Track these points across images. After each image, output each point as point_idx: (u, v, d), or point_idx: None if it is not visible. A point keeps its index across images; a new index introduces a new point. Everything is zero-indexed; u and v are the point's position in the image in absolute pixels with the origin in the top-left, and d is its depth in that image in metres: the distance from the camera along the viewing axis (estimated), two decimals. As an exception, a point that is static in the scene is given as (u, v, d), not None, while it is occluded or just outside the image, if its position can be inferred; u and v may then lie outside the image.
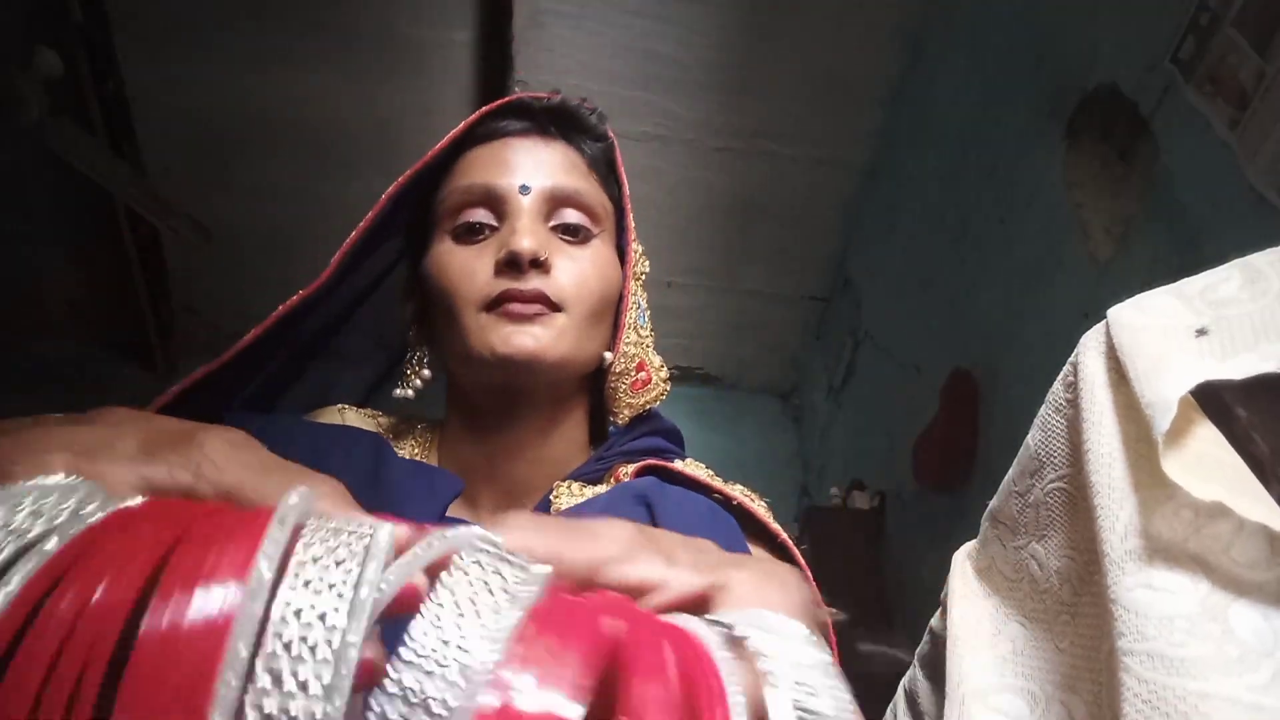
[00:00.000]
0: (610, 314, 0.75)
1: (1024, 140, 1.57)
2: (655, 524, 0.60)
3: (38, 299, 2.25)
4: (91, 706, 0.23)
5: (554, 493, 0.72)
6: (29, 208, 2.03)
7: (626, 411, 0.80)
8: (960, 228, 1.79)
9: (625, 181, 0.78)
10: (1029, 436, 0.66)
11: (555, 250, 0.70)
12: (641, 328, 0.80)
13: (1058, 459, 0.63)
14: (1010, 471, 0.69)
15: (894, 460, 1.88)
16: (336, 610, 0.25)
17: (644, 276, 0.83)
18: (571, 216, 0.72)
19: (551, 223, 0.72)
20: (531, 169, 0.72)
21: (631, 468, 0.77)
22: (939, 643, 0.73)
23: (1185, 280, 0.58)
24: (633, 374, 0.79)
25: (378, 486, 0.55)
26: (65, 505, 0.28)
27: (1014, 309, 1.57)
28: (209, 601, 0.25)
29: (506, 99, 0.76)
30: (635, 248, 0.79)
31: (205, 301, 2.35)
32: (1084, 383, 0.59)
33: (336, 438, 0.58)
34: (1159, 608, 0.48)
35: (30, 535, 0.26)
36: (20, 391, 2.04)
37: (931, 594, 0.78)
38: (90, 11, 1.82)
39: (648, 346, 0.81)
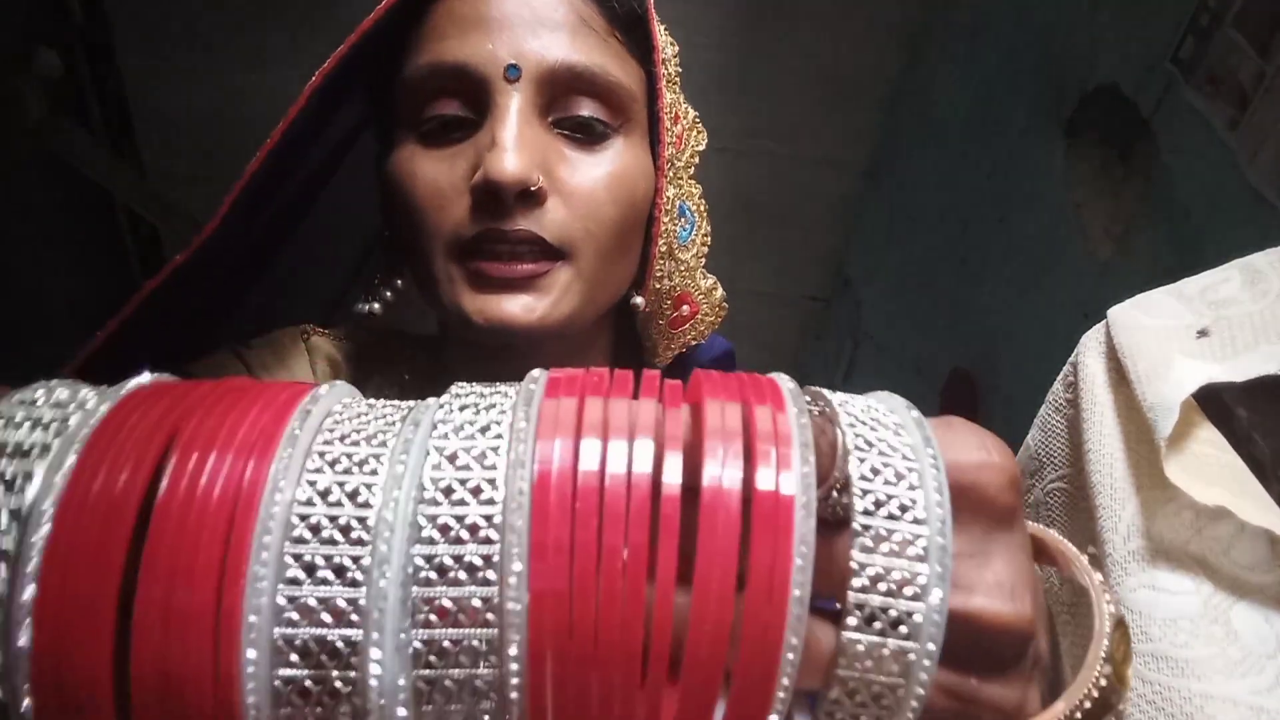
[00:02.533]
0: (641, 231, 0.54)
1: (1024, 140, 1.57)
2: None
3: (38, 299, 2.25)
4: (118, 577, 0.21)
5: None
6: (29, 208, 2.03)
7: (668, 353, 0.63)
8: (960, 228, 1.79)
9: (659, 39, 0.56)
10: (1029, 436, 0.66)
11: (556, 162, 0.50)
12: (683, 247, 0.58)
13: (1058, 459, 0.63)
14: (1011, 472, 0.69)
15: (894, 460, 1.87)
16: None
17: (694, 165, 0.59)
18: (584, 108, 0.50)
19: (553, 116, 0.50)
20: (523, 34, 0.49)
21: None
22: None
23: (1185, 280, 0.58)
24: (669, 313, 0.60)
25: None
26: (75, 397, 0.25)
27: (1014, 309, 1.57)
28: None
29: None
30: (674, 131, 0.55)
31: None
32: (1084, 383, 0.59)
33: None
34: (1162, 609, 0.48)
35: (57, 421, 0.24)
36: (20, 392, 2.04)
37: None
38: (90, 11, 1.82)
39: (692, 272, 0.60)
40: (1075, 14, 1.44)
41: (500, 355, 0.55)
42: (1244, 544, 0.48)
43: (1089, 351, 0.60)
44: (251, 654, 0.21)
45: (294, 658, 0.21)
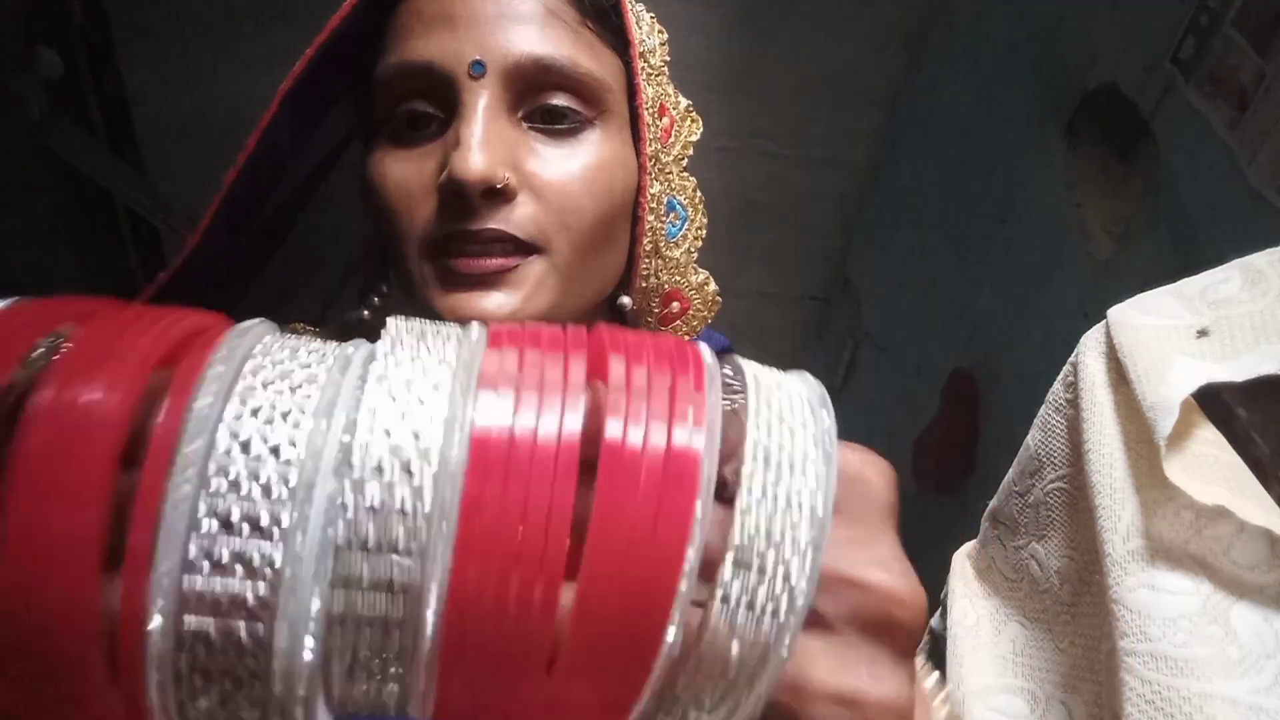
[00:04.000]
0: (625, 227, 0.53)
1: (1024, 140, 1.57)
2: None
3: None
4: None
5: None
6: (29, 208, 2.03)
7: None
8: (960, 227, 1.79)
9: (633, 31, 0.53)
10: (1029, 436, 0.66)
11: (525, 156, 0.48)
12: (672, 244, 0.56)
13: (1058, 459, 0.63)
14: (1010, 472, 0.69)
15: (894, 460, 1.87)
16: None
17: (687, 156, 0.57)
18: (556, 99, 0.49)
19: (523, 110, 0.49)
20: (489, 29, 0.47)
21: None
22: (939, 643, 0.73)
23: (1185, 280, 0.58)
24: (658, 310, 0.59)
25: None
26: None
27: (1014, 309, 1.57)
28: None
29: None
30: (659, 125, 0.54)
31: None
32: (1084, 383, 0.59)
33: None
34: (1162, 608, 0.48)
35: None
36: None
37: (932, 594, 0.78)
38: (90, 11, 1.82)
39: (683, 268, 0.58)
40: (1075, 14, 1.44)
41: None
42: (1243, 544, 0.48)
43: (1089, 351, 0.60)
44: (160, 601, 0.20)
45: (202, 609, 0.20)
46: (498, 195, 0.47)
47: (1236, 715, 0.44)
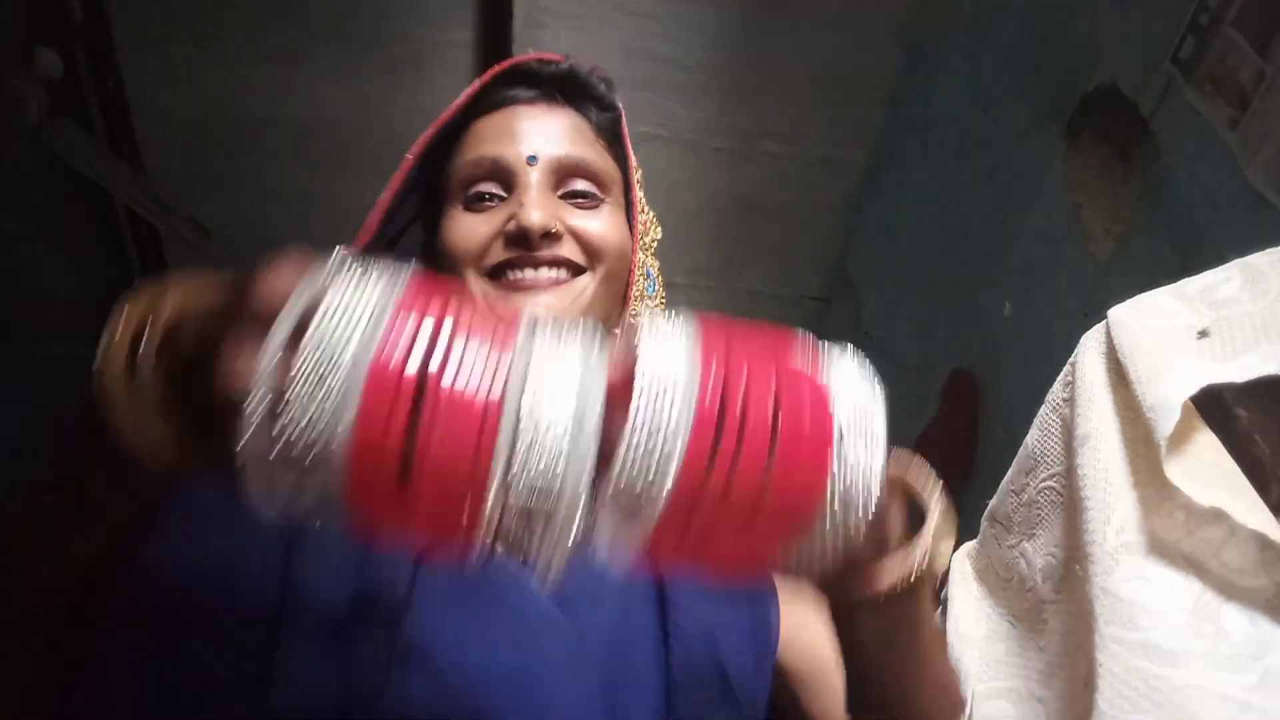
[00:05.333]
0: (624, 279, 0.75)
1: (1024, 140, 1.57)
2: None
3: (38, 299, 2.25)
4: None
5: None
6: (29, 208, 2.03)
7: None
8: (960, 228, 1.79)
9: (631, 151, 0.78)
10: (1028, 436, 0.66)
11: (567, 215, 0.71)
12: (650, 296, 0.81)
13: (1051, 457, 0.63)
14: (1009, 471, 0.69)
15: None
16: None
17: (654, 245, 0.82)
18: (580, 184, 0.72)
19: (560, 191, 0.72)
20: (539, 138, 0.71)
21: None
22: (939, 643, 0.73)
23: (1185, 280, 0.58)
24: (641, 303, 0.79)
25: None
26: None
27: (1014, 309, 1.57)
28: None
29: (513, 61, 0.76)
30: (644, 216, 0.79)
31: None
32: (1083, 383, 0.59)
33: None
34: (1154, 600, 0.48)
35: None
36: (20, 391, 2.04)
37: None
38: (90, 11, 1.82)
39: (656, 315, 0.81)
40: (1075, 14, 1.44)
41: None
42: (1234, 548, 0.48)
43: (1089, 351, 0.60)
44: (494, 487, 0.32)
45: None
46: (551, 236, 0.68)
47: (1225, 710, 0.44)
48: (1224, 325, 0.53)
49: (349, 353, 0.30)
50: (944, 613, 0.76)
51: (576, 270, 0.70)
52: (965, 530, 0.76)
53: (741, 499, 0.33)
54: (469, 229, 0.69)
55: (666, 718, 0.54)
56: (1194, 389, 0.49)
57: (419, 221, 0.79)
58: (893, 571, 0.43)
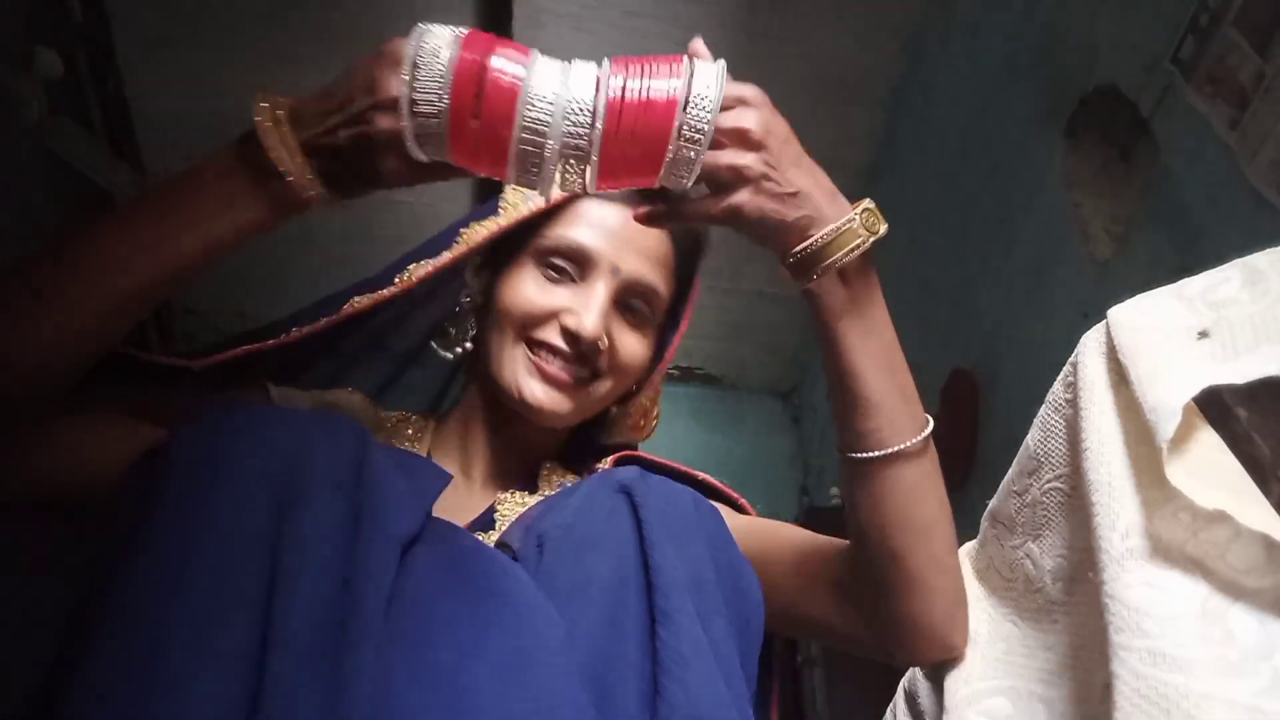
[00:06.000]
0: (629, 387, 0.84)
1: (1024, 140, 1.57)
2: (637, 514, 0.61)
3: (38, 299, 2.24)
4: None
5: (542, 472, 0.83)
6: (29, 208, 2.03)
7: (617, 438, 0.90)
8: (960, 228, 1.79)
9: (699, 286, 0.87)
10: (1028, 436, 0.66)
11: (615, 327, 0.78)
12: (655, 402, 0.90)
13: (1056, 459, 0.63)
14: (1010, 471, 0.69)
15: (894, 460, 1.87)
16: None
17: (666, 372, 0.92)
18: (640, 305, 0.79)
19: (621, 300, 0.78)
20: (630, 253, 0.78)
21: (609, 458, 0.86)
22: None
23: (1185, 280, 0.58)
24: (634, 419, 0.89)
25: (359, 479, 0.55)
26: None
27: (1014, 309, 1.57)
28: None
29: None
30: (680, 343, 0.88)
31: (205, 302, 2.35)
32: (1084, 383, 0.59)
33: (322, 423, 0.59)
34: (1161, 607, 0.48)
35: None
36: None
37: (931, 594, 0.78)
38: (90, 11, 1.82)
39: (656, 401, 0.90)
40: (1075, 14, 1.44)
41: (494, 420, 0.82)
42: (1240, 548, 0.48)
43: (1089, 351, 0.60)
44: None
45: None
46: (594, 346, 0.76)
47: (1234, 715, 0.44)
48: (1224, 325, 0.53)
49: (444, 59, 0.57)
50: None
51: (596, 374, 0.78)
52: (965, 530, 0.76)
53: (635, 130, 0.59)
54: (532, 297, 0.76)
55: (655, 698, 0.54)
56: (1195, 390, 0.49)
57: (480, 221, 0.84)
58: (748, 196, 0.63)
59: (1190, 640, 0.47)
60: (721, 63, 0.64)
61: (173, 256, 0.60)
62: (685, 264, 0.84)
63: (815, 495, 2.54)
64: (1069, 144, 1.42)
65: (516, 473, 0.83)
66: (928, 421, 0.71)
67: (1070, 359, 0.62)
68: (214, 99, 2.05)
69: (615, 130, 0.58)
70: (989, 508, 0.72)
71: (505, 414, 0.80)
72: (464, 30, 0.59)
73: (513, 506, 0.78)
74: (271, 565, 0.49)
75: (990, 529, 0.71)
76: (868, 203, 0.70)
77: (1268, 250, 0.56)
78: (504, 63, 0.57)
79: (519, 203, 0.80)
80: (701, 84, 0.60)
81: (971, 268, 1.73)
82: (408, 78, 0.57)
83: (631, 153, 0.59)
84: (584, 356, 0.76)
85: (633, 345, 0.80)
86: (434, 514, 0.63)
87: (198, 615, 0.47)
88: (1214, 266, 0.58)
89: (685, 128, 0.59)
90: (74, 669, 0.47)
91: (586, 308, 0.75)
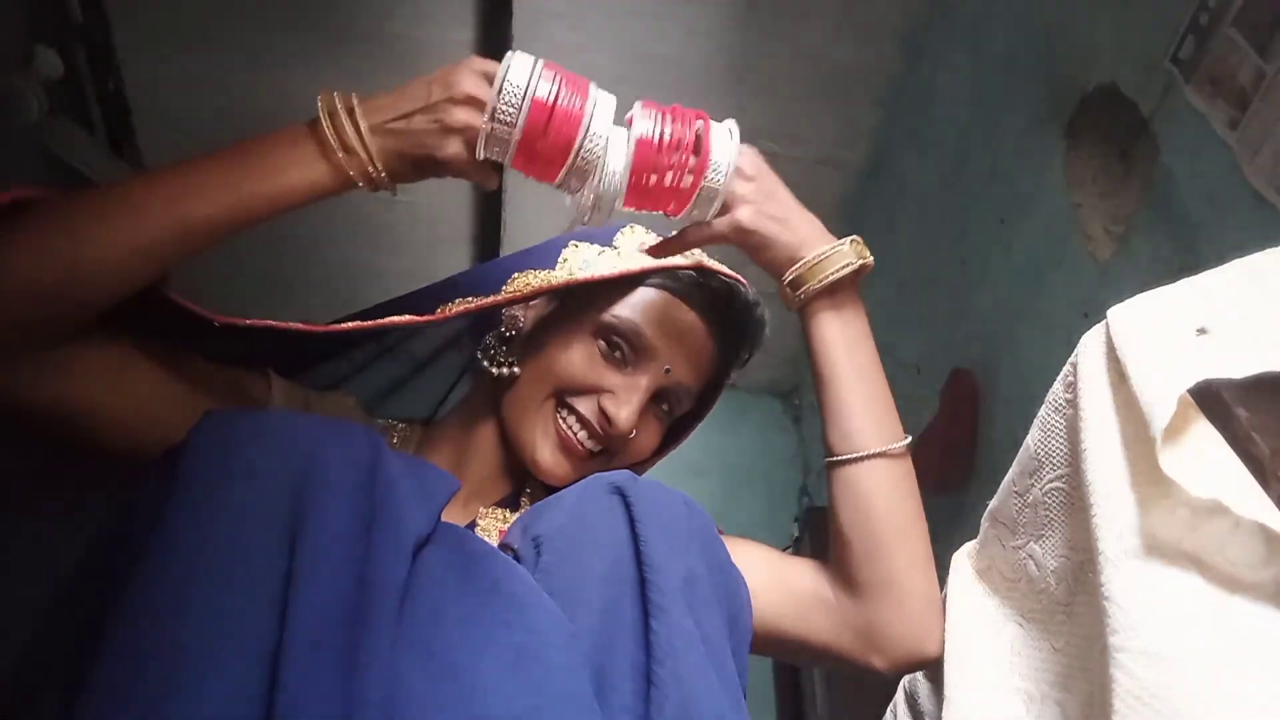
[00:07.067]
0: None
1: (1024, 140, 1.57)
2: (630, 512, 0.64)
3: (38, 299, 2.24)
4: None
5: (526, 488, 0.84)
6: (29, 208, 2.03)
7: None
8: (960, 228, 1.79)
9: (723, 388, 0.91)
10: (1029, 436, 0.66)
11: (641, 418, 0.81)
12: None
13: (1056, 459, 0.63)
14: (1010, 472, 0.69)
15: (894, 460, 1.87)
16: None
17: None
18: (671, 405, 0.84)
19: (657, 396, 0.82)
20: (684, 361, 0.82)
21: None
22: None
23: (1185, 280, 0.58)
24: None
25: (374, 482, 0.57)
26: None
27: (1014, 309, 1.57)
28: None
29: (730, 276, 0.87)
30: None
31: (205, 302, 2.36)
32: (1084, 383, 0.59)
33: (337, 429, 0.60)
34: (1155, 606, 0.48)
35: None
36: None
37: (931, 594, 0.78)
38: (90, 11, 1.82)
39: None
40: (1075, 14, 1.44)
41: (486, 440, 0.84)
42: (1238, 541, 0.48)
43: (1089, 351, 0.60)
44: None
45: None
46: (624, 437, 0.80)
47: (1233, 713, 0.44)
48: (1223, 324, 0.53)
49: (528, 95, 0.68)
50: (943, 612, 0.75)
51: (609, 454, 0.82)
52: (965, 530, 0.76)
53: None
54: (583, 368, 0.79)
55: (649, 687, 0.56)
56: (1190, 382, 0.49)
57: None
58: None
59: (1183, 638, 0.47)
60: (732, 123, 0.78)
61: (243, 196, 0.67)
62: (721, 373, 0.88)
63: (815, 495, 2.54)
64: (1069, 144, 1.42)
65: (501, 490, 0.85)
66: (906, 435, 0.79)
67: (1070, 359, 0.62)
68: (214, 99, 2.05)
69: (640, 180, 0.72)
70: (989, 508, 0.72)
71: (506, 439, 0.83)
72: (544, 62, 0.70)
73: (493, 522, 0.80)
74: (287, 564, 0.50)
75: (991, 529, 0.71)
76: (854, 237, 0.81)
77: (1268, 250, 0.56)
78: (572, 98, 0.69)
79: (582, 263, 0.83)
80: (721, 147, 0.75)
81: (971, 268, 1.73)
82: (496, 89, 0.67)
83: (656, 189, 0.73)
84: (609, 439, 0.80)
85: (650, 438, 0.84)
86: None
87: (214, 612, 0.48)
88: (1214, 266, 0.58)
89: (708, 180, 0.74)
90: (91, 666, 0.47)
91: (629, 400, 0.79)
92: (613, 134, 0.71)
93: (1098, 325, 0.60)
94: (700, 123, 0.75)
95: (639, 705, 0.56)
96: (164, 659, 0.47)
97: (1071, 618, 0.62)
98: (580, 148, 0.69)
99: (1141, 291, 0.59)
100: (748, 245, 0.78)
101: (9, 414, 0.64)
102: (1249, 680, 0.45)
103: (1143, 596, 0.49)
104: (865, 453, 0.76)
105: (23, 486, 0.72)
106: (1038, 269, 1.50)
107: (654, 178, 0.72)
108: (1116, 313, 0.59)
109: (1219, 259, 0.58)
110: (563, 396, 0.80)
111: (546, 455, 0.79)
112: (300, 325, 0.79)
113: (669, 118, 0.74)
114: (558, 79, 0.70)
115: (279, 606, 0.49)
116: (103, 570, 0.54)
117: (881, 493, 0.76)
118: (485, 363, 0.84)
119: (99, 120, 1.94)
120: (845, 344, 0.79)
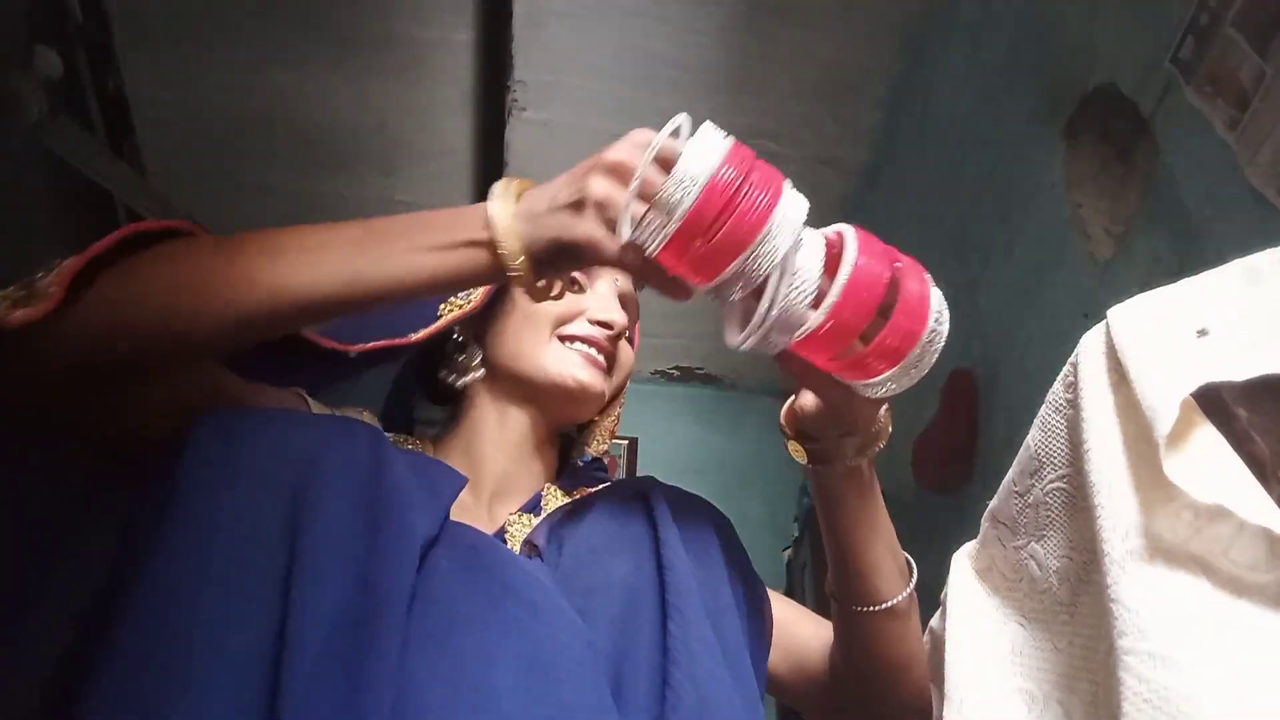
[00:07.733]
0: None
1: (1024, 140, 1.57)
2: (652, 515, 0.63)
3: (38, 299, 2.24)
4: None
5: (544, 494, 0.82)
6: (29, 208, 2.03)
7: (598, 445, 0.98)
8: (960, 228, 1.79)
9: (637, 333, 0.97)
10: (1029, 436, 0.66)
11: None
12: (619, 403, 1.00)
13: (1057, 459, 0.63)
14: (1010, 472, 0.69)
15: (893, 460, 1.87)
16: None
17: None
18: (631, 310, 0.89)
19: (620, 298, 0.88)
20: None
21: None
22: (938, 643, 0.73)
23: (1185, 280, 0.58)
24: (614, 420, 0.99)
25: (376, 481, 0.56)
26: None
27: (1014, 309, 1.57)
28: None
29: None
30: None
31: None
32: (1084, 383, 0.59)
33: (338, 425, 0.59)
34: (1161, 608, 0.48)
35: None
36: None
37: (931, 594, 0.78)
38: (90, 11, 1.82)
39: (622, 405, 1.02)
40: (1075, 14, 1.44)
41: (497, 435, 0.85)
42: (1243, 543, 0.48)
43: (1089, 351, 0.60)
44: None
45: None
46: (623, 328, 0.86)
47: (1237, 714, 0.44)
48: (1224, 325, 0.53)
49: (699, 180, 0.56)
50: (943, 612, 0.75)
51: (610, 368, 0.87)
52: (965, 530, 0.76)
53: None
54: (564, 302, 0.80)
55: (664, 688, 0.56)
56: (1193, 386, 0.49)
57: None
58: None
59: (1188, 640, 0.46)
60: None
61: (387, 269, 0.60)
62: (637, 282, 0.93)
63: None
64: (1069, 144, 1.42)
65: (523, 493, 0.83)
66: (913, 571, 0.79)
67: (1070, 359, 0.62)
68: (214, 99, 2.06)
69: (837, 317, 0.59)
70: (990, 508, 0.72)
71: (513, 433, 0.84)
72: (735, 141, 0.60)
73: (521, 529, 0.78)
74: (288, 565, 0.50)
75: (991, 529, 0.71)
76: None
77: (1268, 250, 0.56)
78: (763, 194, 0.59)
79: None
80: (937, 305, 0.67)
81: (971, 268, 1.73)
82: (650, 157, 0.57)
83: (846, 337, 0.60)
84: (613, 341, 0.85)
85: (626, 347, 0.90)
86: None
87: (214, 615, 0.48)
88: (1214, 266, 0.58)
89: (927, 342, 0.63)
90: (92, 669, 0.47)
91: (608, 305, 0.85)
92: (808, 238, 0.62)
93: (1098, 325, 0.60)
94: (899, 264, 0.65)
95: (654, 706, 0.55)
96: (165, 666, 0.46)
97: (1074, 618, 0.62)
98: (745, 266, 0.56)
99: (1141, 291, 0.59)
100: (865, 402, 0.66)
101: (102, 433, 0.61)
102: (1255, 684, 0.45)
103: (1150, 599, 0.49)
104: (876, 607, 0.75)
105: (68, 500, 0.69)
106: (1038, 269, 1.50)
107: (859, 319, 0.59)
108: (1117, 313, 0.59)
109: (1219, 259, 0.58)
110: (559, 331, 0.84)
111: (584, 375, 0.82)
112: (330, 343, 0.80)
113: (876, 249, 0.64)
114: (748, 164, 0.59)
115: (279, 613, 0.48)
116: (104, 573, 0.53)
117: (891, 639, 0.76)
118: (455, 375, 0.86)
119: (99, 120, 1.94)
120: (876, 501, 0.75)
